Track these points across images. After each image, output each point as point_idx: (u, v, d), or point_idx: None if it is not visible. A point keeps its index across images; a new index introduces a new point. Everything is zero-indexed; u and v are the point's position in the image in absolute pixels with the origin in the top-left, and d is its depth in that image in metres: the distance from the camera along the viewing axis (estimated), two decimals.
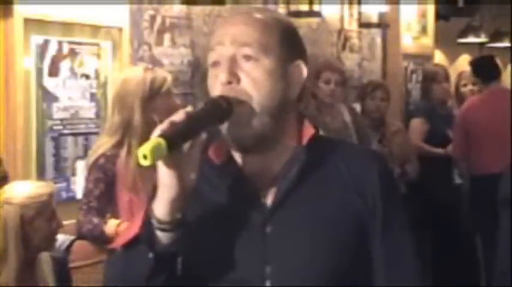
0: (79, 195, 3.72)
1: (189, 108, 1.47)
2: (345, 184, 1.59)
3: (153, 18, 4.62)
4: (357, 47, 6.70)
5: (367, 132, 5.10)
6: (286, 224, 1.55)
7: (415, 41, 7.27)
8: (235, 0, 5.16)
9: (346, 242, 1.56)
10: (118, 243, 1.59)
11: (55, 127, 3.96)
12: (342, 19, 6.46)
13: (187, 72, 4.86)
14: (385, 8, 6.57)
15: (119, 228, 3.22)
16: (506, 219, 2.72)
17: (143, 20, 4.56)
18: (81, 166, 3.93)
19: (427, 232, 5.60)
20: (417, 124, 5.95)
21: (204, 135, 1.48)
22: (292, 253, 1.54)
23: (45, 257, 2.96)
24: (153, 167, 1.42)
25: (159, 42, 4.67)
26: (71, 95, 4.04)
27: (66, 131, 4.02)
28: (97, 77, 4.18)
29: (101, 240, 3.30)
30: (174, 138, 1.41)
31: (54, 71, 3.94)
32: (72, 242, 3.37)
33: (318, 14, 5.85)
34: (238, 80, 1.55)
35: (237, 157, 1.60)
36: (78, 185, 3.90)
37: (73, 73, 4.05)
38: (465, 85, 6.50)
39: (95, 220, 3.27)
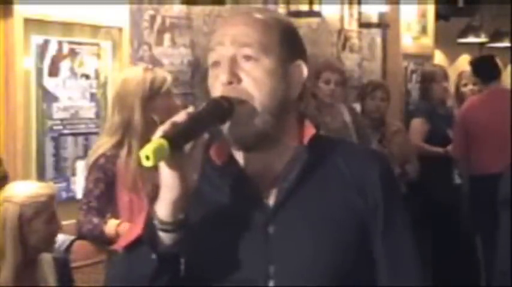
0: (79, 195, 3.72)
1: (191, 109, 1.47)
2: (346, 183, 1.59)
3: (153, 18, 4.62)
4: (357, 47, 6.70)
5: (367, 132, 5.10)
6: (288, 224, 1.55)
7: (415, 41, 7.27)
8: (235, 0, 5.16)
9: (348, 242, 1.56)
10: (120, 244, 1.58)
11: (55, 127, 3.96)
12: (342, 19, 6.46)
13: (187, 72, 4.86)
14: (385, 8, 6.57)
15: (119, 228, 3.21)
16: (506, 219, 2.72)
17: (143, 20, 4.56)
18: (81, 166, 3.93)
19: (427, 232, 5.60)
20: (417, 124, 5.95)
21: (205, 136, 1.48)
22: (295, 253, 1.54)
23: (46, 258, 2.96)
24: (153, 168, 1.42)
25: (159, 42, 4.67)
26: (71, 95, 4.04)
27: (66, 131, 4.02)
28: (97, 77, 4.18)
29: (100, 240, 3.30)
30: (176, 139, 1.41)
31: (54, 71, 3.94)
32: (72, 242, 3.37)
33: (318, 14, 5.85)
34: (239, 80, 1.55)
35: (239, 157, 1.60)
36: (78, 185, 3.90)
37: (73, 73, 4.05)
38: (465, 85, 6.50)
39: (95, 220, 3.27)
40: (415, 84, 7.05)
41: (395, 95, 6.36)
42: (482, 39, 8.77)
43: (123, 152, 3.29)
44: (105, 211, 3.33)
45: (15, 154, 3.71)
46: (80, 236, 3.35)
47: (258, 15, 1.61)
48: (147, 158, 1.38)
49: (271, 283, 1.53)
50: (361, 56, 6.76)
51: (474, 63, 6.02)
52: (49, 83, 3.92)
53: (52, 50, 3.93)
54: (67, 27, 4.00)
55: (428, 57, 7.39)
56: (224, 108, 1.51)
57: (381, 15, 6.62)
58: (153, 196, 1.50)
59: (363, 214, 1.58)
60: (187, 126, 1.44)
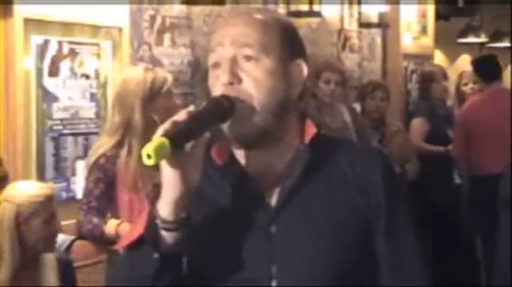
0: (79, 195, 3.72)
1: (191, 108, 1.48)
2: (349, 182, 1.59)
3: (153, 18, 4.62)
4: (357, 47, 6.70)
5: (367, 132, 5.10)
6: (291, 224, 1.55)
7: (415, 41, 7.27)
8: (235, 0, 5.16)
9: (351, 241, 1.56)
10: (122, 244, 1.58)
11: (55, 127, 3.96)
12: (342, 19, 6.46)
13: (187, 72, 4.86)
14: (385, 8, 6.57)
15: (119, 228, 3.21)
16: (506, 219, 2.72)
17: (143, 20, 4.56)
18: (81, 166, 3.93)
19: (427, 232, 5.60)
20: (417, 124, 5.95)
21: (207, 135, 1.49)
22: (298, 252, 1.54)
23: (49, 258, 2.96)
24: (153, 167, 1.43)
25: (159, 42, 4.67)
26: (71, 95, 4.04)
27: (66, 131, 4.02)
28: (97, 77, 4.18)
29: (101, 240, 3.30)
30: (177, 138, 1.42)
31: (54, 71, 3.94)
32: (72, 242, 3.37)
33: (318, 14, 5.85)
34: (240, 81, 1.55)
35: (240, 156, 1.60)
36: (78, 185, 3.90)
37: (73, 73, 4.05)
38: (466, 84, 6.50)
39: (95, 220, 3.27)
40: (415, 84, 7.05)
41: (395, 95, 6.36)
42: (482, 39, 8.78)
43: (123, 152, 3.29)
44: (105, 211, 3.33)
45: (15, 154, 3.71)
46: (80, 236, 3.35)
47: (258, 16, 1.61)
48: (149, 156, 1.38)
49: (274, 283, 1.53)
50: (361, 56, 6.76)
51: (476, 63, 6.02)
52: (49, 83, 3.92)
53: (52, 50, 3.93)
54: (67, 27, 4.00)
55: (428, 57, 7.39)
56: (225, 107, 1.51)
57: (381, 15, 6.62)
58: (154, 196, 1.51)
59: (366, 213, 1.58)
60: (188, 125, 1.44)
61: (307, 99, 1.67)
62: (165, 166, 1.45)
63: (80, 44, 4.07)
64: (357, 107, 5.45)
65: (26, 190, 2.93)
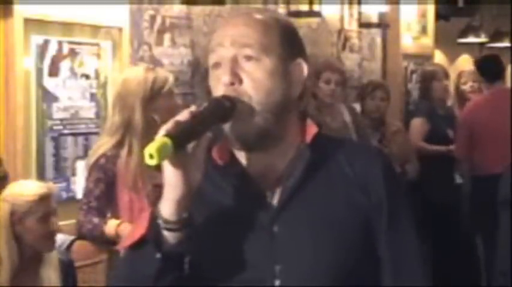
0: (79, 195, 3.72)
1: (193, 108, 1.48)
2: (350, 181, 1.59)
3: (153, 18, 4.62)
4: (357, 47, 6.70)
5: (367, 132, 5.11)
6: (293, 223, 1.55)
7: (415, 41, 7.27)
8: (235, 0, 5.16)
9: (353, 240, 1.56)
10: (125, 244, 1.58)
11: (55, 127, 3.96)
12: (342, 19, 6.46)
13: (187, 72, 4.86)
14: (385, 8, 6.57)
15: (119, 228, 3.21)
16: (506, 219, 2.72)
17: (143, 20, 4.56)
18: (81, 166, 3.93)
19: (427, 231, 5.59)
20: (417, 124, 5.95)
21: (208, 135, 1.49)
22: (300, 251, 1.54)
23: (51, 258, 2.96)
24: (154, 167, 1.43)
25: (159, 42, 4.67)
26: (71, 95, 4.04)
27: (66, 131, 4.02)
28: (97, 77, 4.18)
29: (100, 240, 3.30)
30: (180, 138, 1.42)
31: (54, 71, 3.94)
32: (72, 242, 3.37)
33: (318, 14, 5.85)
34: (240, 81, 1.55)
35: (241, 157, 1.60)
36: (78, 185, 3.90)
37: (73, 73, 4.05)
38: (465, 83, 6.50)
39: (95, 220, 3.27)
40: (415, 84, 7.05)
41: (396, 95, 6.36)
42: (482, 39, 8.77)
43: (124, 152, 3.28)
44: (105, 211, 3.33)
45: (15, 154, 3.71)
46: (80, 236, 3.35)
47: (258, 16, 1.62)
48: (151, 156, 1.38)
49: (277, 282, 1.53)
50: (361, 56, 6.76)
51: (478, 63, 6.02)
52: (49, 83, 3.92)
53: (52, 50, 3.93)
54: (67, 27, 4.00)
55: (428, 57, 7.39)
56: (226, 107, 1.52)
57: (381, 15, 6.62)
58: (155, 197, 1.51)
59: (367, 212, 1.58)
60: (190, 125, 1.45)
61: (307, 99, 1.67)
62: (167, 165, 1.45)
63: (80, 44, 4.07)
64: (357, 107, 5.45)
65: (21, 189, 2.95)
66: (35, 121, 3.85)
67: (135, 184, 3.26)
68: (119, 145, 3.30)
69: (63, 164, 4.00)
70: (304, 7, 5.74)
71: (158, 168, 1.46)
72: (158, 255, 1.48)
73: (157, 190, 1.52)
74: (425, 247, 5.47)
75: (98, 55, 4.18)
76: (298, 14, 5.66)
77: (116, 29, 4.26)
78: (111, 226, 3.25)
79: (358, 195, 1.58)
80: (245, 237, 1.54)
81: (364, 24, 6.60)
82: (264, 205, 1.57)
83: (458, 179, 5.82)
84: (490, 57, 6.03)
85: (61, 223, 3.22)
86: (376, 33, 6.90)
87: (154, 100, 3.30)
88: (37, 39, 3.85)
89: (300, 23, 5.59)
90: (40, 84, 3.87)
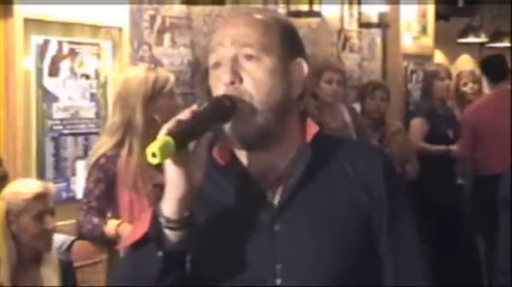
0: (79, 195, 3.72)
1: (194, 107, 1.48)
2: (351, 180, 1.60)
3: (153, 18, 4.62)
4: (357, 47, 6.70)
5: (367, 132, 5.11)
6: (294, 222, 1.56)
7: (415, 41, 7.27)
8: (235, 0, 5.16)
9: (354, 239, 1.57)
10: (125, 244, 1.59)
11: (55, 127, 3.96)
12: (342, 19, 6.46)
13: (187, 72, 4.86)
14: (385, 8, 6.57)
15: (119, 228, 3.21)
16: (506, 219, 2.72)
17: (143, 20, 4.56)
18: (81, 166, 3.93)
19: (427, 231, 5.59)
20: (417, 124, 5.94)
21: (209, 134, 1.50)
22: (301, 251, 1.54)
23: (51, 258, 2.96)
24: (154, 167, 1.43)
25: (159, 42, 4.67)
26: (71, 95, 4.04)
27: (66, 131, 4.02)
28: (97, 77, 4.18)
29: (101, 240, 3.30)
30: (182, 137, 1.43)
31: (54, 71, 3.94)
32: (72, 243, 3.37)
33: (318, 14, 5.85)
34: (241, 80, 1.56)
35: (241, 156, 1.61)
36: (78, 185, 3.90)
37: (73, 73, 4.05)
38: (465, 84, 6.50)
39: (95, 220, 3.27)
40: (415, 84, 7.04)
41: (396, 95, 6.36)
42: (482, 39, 8.77)
43: (124, 152, 3.28)
44: (106, 211, 3.32)
45: (15, 154, 3.71)
46: (80, 236, 3.35)
47: (258, 16, 1.62)
48: (154, 155, 1.39)
49: (278, 282, 1.54)
50: (361, 56, 6.76)
51: (483, 63, 6.01)
52: (49, 83, 3.92)
53: (52, 50, 3.93)
54: (67, 27, 4.01)
55: (428, 57, 7.39)
56: (226, 107, 1.52)
57: (381, 15, 6.62)
58: (156, 197, 1.51)
59: (368, 211, 1.58)
60: (191, 124, 1.45)
61: (307, 99, 1.67)
62: (169, 164, 1.46)
63: (80, 44, 4.07)
64: (357, 107, 5.45)
65: (17, 187, 2.97)
66: (35, 121, 3.85)
67: (136, 184, 3.26)
68: (119, 144, 3.29)
69: (63, 164, 4.00)
70: (304, 7, 5.74)
71: (158, 168, 1.46)
72: (160, 254, 1.48)
73: (158, 190, 1.52)
74: (425, 246, 5.46)
75: (98, 55, 4.18)
76: (298, 14, 5.66)
77: (116, 29, 4.26)
78: (111, 226, 3.24)
79: (359, 194, 1.59)
80: (246, 237, 1.54)
81: (364, 24, 6.60)
82: (264, 204, 1.57)
83: (459, 179, 5.81)
84: (495, 57, 6.02)
85: (61, 223, 3.22)
86: (376, 33, 6.90)
87: (156, 100, 3.29)
88: (37, 39, 3.85)
89: (300, 23, 5.59)
90: (40, 84, 3.87)
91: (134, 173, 3.24)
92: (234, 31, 1.58)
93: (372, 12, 6.58)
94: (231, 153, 1.61)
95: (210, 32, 4.70)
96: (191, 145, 1.46)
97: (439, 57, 8.26)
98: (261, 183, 1.58)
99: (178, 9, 4.80)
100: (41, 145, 3.88)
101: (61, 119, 3.99)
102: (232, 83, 1.55)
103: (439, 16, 7.71)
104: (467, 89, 6.43)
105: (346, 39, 6.55)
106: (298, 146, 1.60)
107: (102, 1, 4.12)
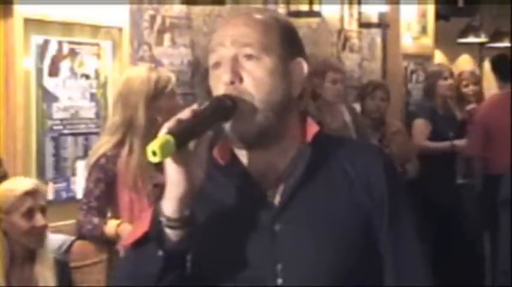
0: (79, 195, 3.72)
1: (195, 106, 1.48)
2: (351, 180, 1.60)
3: (153, 18, 4.62)
4: (357, 47, 6.69)
5: (367, 132, 5.11)
6: (294, 222, 1.56)
7: (415, 41, 7.27)
8: (235, 0, 5.16)
9: (354, 239, 1.57)
10: (125, 243, 1.59)
11: (55, 127, 3.96)
12: (342, 19, 6.46)
13: (187, 72, 4.86)
14: (385, 8, 6.56)
15: (119, 228, 3.21)
16: (506, 219, 2.72)
17: (143, 20, 4.56)
18: (81, 166, 3.93)
19: (427, 231, 5.59)
20: (420, 125, 5.93)
21: (209, 134, 1.50)
22: (302, 250, 1.54)
23: (46, 256, 2.96)
24: (154, 167, 1.43)
25: (159, 42, 4.67)
26: (71, 95, 4.04)
27: (66, 131, 4.02)
28: (97, 77, 4.18)
29: (101, 240, 3.30)
30: (182, 136, 1.43)
31: (54, 71, 3.94)
32: (72, 243, 3.37)
33: (318, 14, 5.85)
34: (241, 80, 1.56)
35: (242, 156, 1.61)
36: (78, 185, 3.90)
37: (73, 73, 4.05)
38: (467, 85, 6.49)
39: (95, 220, 3.27)
40: (415, 84, 7.04)
41: (395, 95, 6.36)
42: (482, 39, 8.76)
43: (124, 152, 3.28)
44: (106, 211, 3.32)
45: (15, 154, 3.71)
46: (80, 236, 3.35)
47: (258, 16, 1.62)
48: (154, 153, 1.39)
49: (279, 281, 1.54)
50: (361, 56, 6.75)
51: (494, 61, 6.01)
52: (49, 83, 3.92)
53: (52, 50, 3.93)
54: (67, 27, 4.00)
55: (428, 57, 7.39)
56: (227, 106, 1.52)
57: (381, 15, 6.62)
58: (156, 197, 1.51)
59: (369, 211, 1.58)
60: (191, 123, 1.45)
61: (306, 99, 1.67)
62: (169, 163, 1.46)
63: (80, 44, 4.07)
64: (357, 107, 5.45)
65: (8, 185, 2.98)
66: (35, 121, 3.85)
67: (136, 183, 3.26)
68: (120, 144, 3.29)
69: (63, 164, 4.00)
70: (304, 7, 5.74)
71: (159, 168, 1.47)
72: (160, 253, 1.48)
73: (158, 190, 1.52)
74: (425, 246, 5.46)
75: (98, 55, 4.18)
76: (298, 14, 5.66)
77: (116, 29, 4.26)
78: (111, 226, 3.25)
79: (359, 194, 1.59)
80: (246, 236, 1.54)
81: (364, 24, 6.60)
82: (265, 204, 1.57)
83: (459, 179, 5.81)
84: (506, 57, 6.02)
85: (61, 223, 3.23)
86: (376, 33, 6.90)
87: (157, 100, 3.29)
88: (37, 39, 3.85)
89: (300, 23, 5.59)
90: (40, 84, 3.87)
91: (134, 173, 3.24)
92: (234, 31, 1.58)
93: (372, 12, 6.58)
94: (231, 153, 1.61)
95: (210, 32, 4.70)
96: (191, 144, 1.46)
97: (439, 57, 8.26)
98: (262, 183, 1.58)
99: (178, 9, 4.80)
100: (41, 145, 3.88)
101: (61, 119, 3.99)
102: (232, 82, 1.55)
103: (439, 16, 7.71)
104: (468, 90, 6.43)
105: (346, 39, 6.54)
106: (298, 146, 1.60)
107: (102, 1, 4.12)
